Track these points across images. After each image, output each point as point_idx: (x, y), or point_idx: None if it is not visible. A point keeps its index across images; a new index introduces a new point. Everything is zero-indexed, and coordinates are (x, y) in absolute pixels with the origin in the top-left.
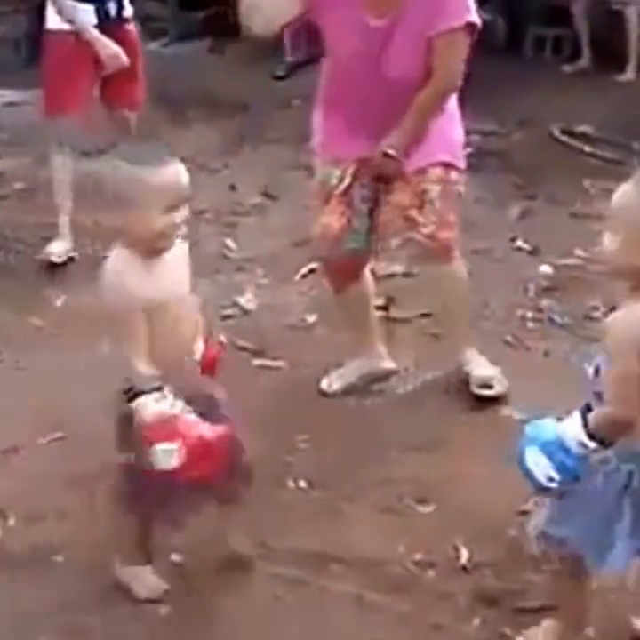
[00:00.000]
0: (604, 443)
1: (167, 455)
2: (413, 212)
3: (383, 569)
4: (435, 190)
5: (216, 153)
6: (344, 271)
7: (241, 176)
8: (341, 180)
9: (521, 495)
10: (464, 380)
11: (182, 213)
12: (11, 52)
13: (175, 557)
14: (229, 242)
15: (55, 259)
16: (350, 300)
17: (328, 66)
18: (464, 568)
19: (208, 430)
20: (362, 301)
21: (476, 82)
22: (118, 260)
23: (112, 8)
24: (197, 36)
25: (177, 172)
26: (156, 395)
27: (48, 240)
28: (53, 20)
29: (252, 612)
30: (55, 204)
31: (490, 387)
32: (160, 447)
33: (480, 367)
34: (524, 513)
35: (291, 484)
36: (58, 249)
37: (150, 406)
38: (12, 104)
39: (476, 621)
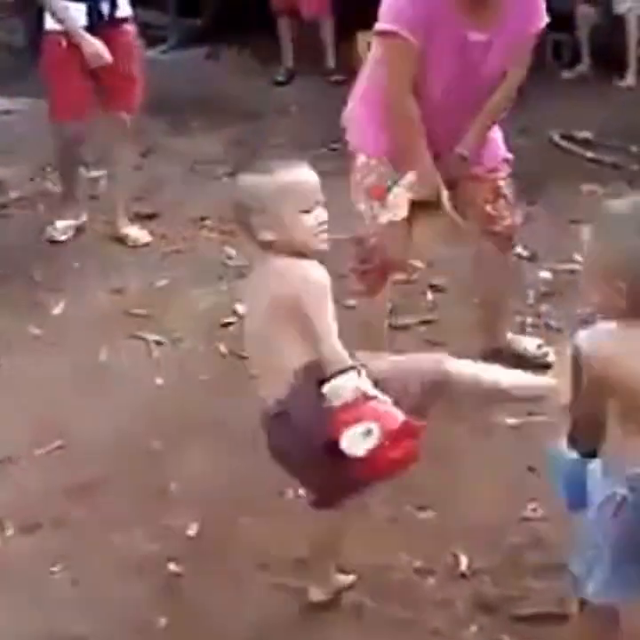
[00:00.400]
0: (581, 450)
1: (368, 436)
2: (489, 208)
3: (383, 576)
4: (505, 185)
5: (216, 160)
6: (385, 274)
7: None
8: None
9: (521, 503)
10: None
11: (324, 213)
12: (7, 59)
13: (173, 567)
14: (230, 249)
15: (63, 237)
16: (377, 304)
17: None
18: (463, 575)
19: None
20: (385, 306)
21: None
22: (285, 263)
23: (105, 7)
24: (196, 42)
25: (307, 171)
26: (353, 373)
27: (47, 247)
28: (50, 21)
29: (253, 622)
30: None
31: (545, 354)
32: (358, 428)
33: (528, 341)
34: (524, 520)
35: (290, 492)
36: (63, 226)
37: (350, 384)
38: (8, 112)
39: (474, 628)
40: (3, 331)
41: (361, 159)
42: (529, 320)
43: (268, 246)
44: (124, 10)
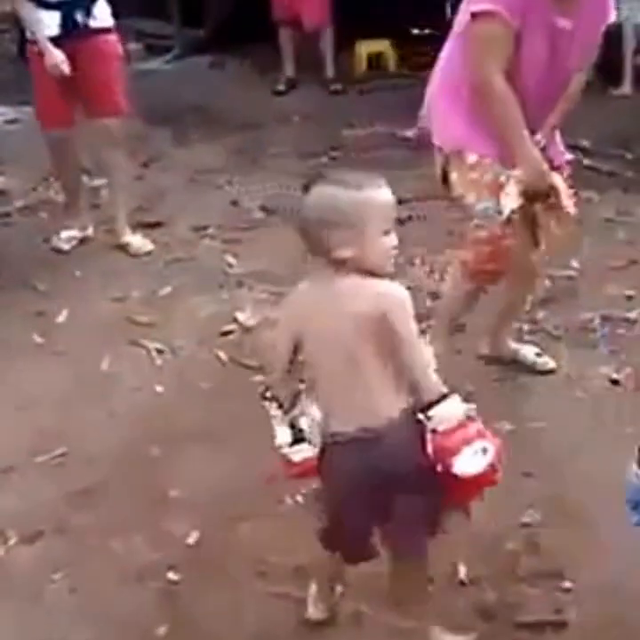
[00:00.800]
0: None
1: (478, 457)
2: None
3: (382, 584)
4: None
5: (218, 169)
6: (500, 274)
7: (242, 192)
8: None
9: (518, 509)
10: None
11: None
12: (11, 68)
13: (172, 575)
14: (230, 258)
15: (67, 246)
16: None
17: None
18: (462, 582)
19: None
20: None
21: None
22: (356, 281)
23: (79, 16)
24: (199, 52)
25: (388, 190)
26: (456, 396)
27: (50, 256)
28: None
29: (252, 630)
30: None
31: (545, 363)
32: (471, 448)
33: (527, 349)
34: (523, 526)
35: (289, 499)
36: (67, 236)
37: (454, 409)
38: (12, 121)
39: (474, 636)
40: (6, 339)
41: (471, 158)
42: (526, 327)
43: (340, 263)
44: (103, 20)
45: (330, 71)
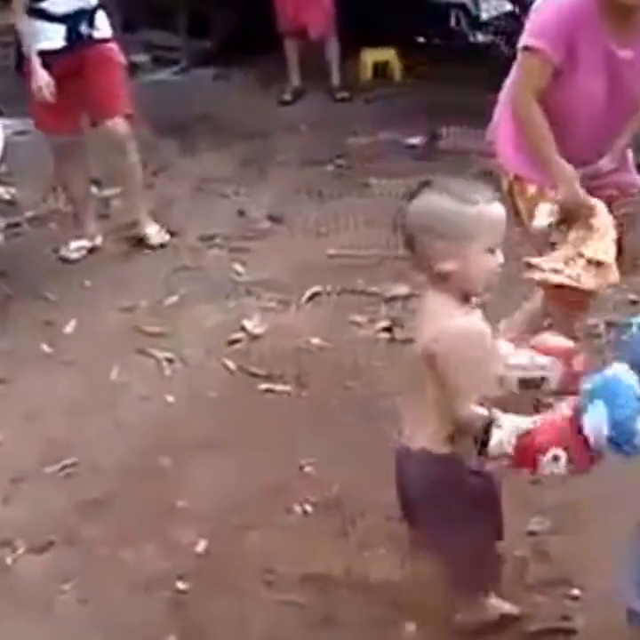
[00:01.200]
0: None
1: (558, 462)
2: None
3: (391, 593)
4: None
5: (225, 179)
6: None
7: (249, 201)
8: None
9: (526, 517)
10: None
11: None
12: (15, 80)
13: (181, 585)
14: (238, 266)
15: (76, 256)
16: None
17: (561, 105)
18: None
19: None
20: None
21: (479, 102)
22: (441, 304)
23: (83, 27)
24: (206, 63)
25: (501, 209)
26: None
27: (58, 266)
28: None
29: (259, 638)
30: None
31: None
32: (549, 455)
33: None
34: (531, 534)
35: (297, 508)
36: (75, 246)
37: (506, 437)
38: (21, 133)
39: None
40: (15, 349)
41: (531, 188)
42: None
43: (441, 277)
44: (104, 31)
45: (335, 79)
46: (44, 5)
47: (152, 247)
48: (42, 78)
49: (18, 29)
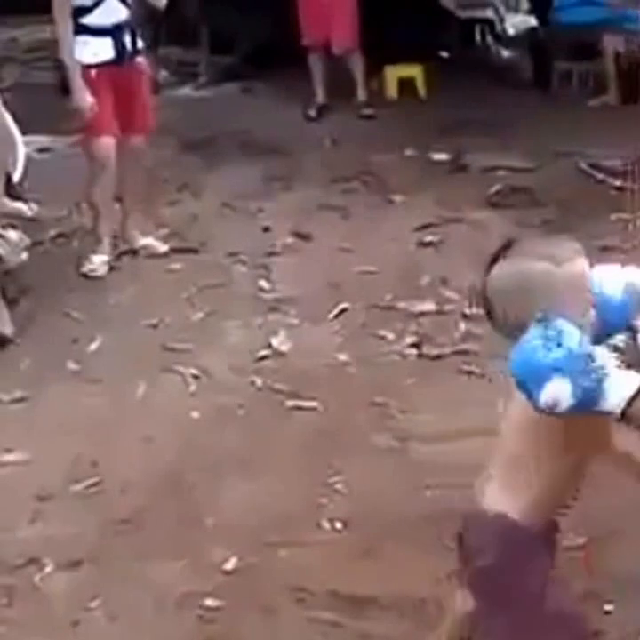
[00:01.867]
0: None
1: None
2: None
3: (421, 611)
4: None
5: (250, 195)
6: None
7: (274, 217)
8: None
9: (567, 526)
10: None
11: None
12: (43, 97)
13: (210, 602)
14: (263, 283)
15: (99, 272)
16: None
17: None
18: None
19: None
20: None
21: (504, 118)
22: None
23: (128, 40)
24: (230, 79)
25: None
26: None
27: (83, 283)
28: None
29: None
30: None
31: None
32: None
33: None
34: (566, 549)
35: (326, 525)
36: (98, 261)
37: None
38: (45, 150)
39: None
40: (41, 366)
41: None
42: None
43: None
44: (140, 43)
45: (361, 95)
46: (86, 21)
47: (153, 255)
48: (82, 97)
49: (61, 43)
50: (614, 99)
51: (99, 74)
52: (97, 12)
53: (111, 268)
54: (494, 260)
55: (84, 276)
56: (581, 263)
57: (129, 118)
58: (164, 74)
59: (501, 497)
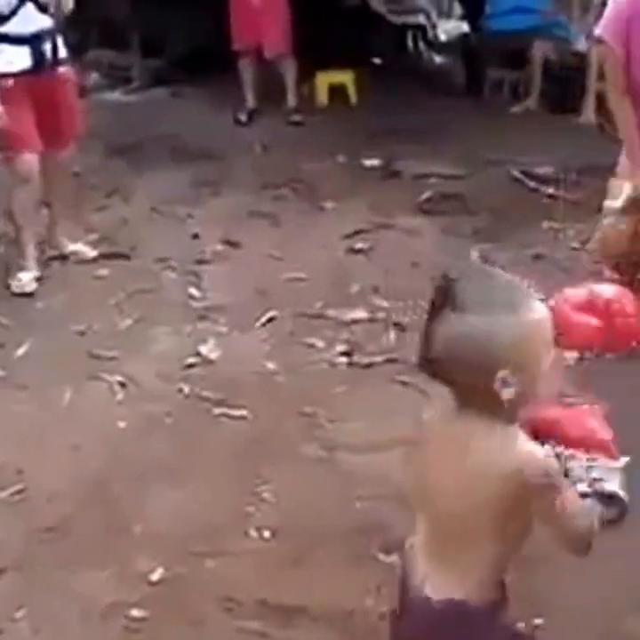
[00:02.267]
0: None
1: None
2: None
3: (349, 621)
4: None
5: (179, 200)
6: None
7: (203, 224)
8: None
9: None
10: None
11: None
12: None
13: (136, 612)
14: (193, 290)
15: (28, 288)
16: None
17: None
18: None
19: None
20: None
21: (435, 124)
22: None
23: (48, 49)
24: (160, 83)
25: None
26: None
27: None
28: None
29: None
30: (21, 238)
31: None
32: None
33: None
34: None
35: (254, 534)
36: (27, 279)
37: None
38: None
39: None
40: None
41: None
42: None
43: (497, 406)
44: (63, 51)
45: (291, 101)
46: (3, 29)
47: (84, 261)
48: None
49: None
50: (534, 104)
51: (15, 84)
52: (14, 20)
53: (39, 278)
54: (439, 308)
55: (16, 295)
56: (538, 309)
57: (55, 131)
58: (94, 77)
59: (450, 584)
